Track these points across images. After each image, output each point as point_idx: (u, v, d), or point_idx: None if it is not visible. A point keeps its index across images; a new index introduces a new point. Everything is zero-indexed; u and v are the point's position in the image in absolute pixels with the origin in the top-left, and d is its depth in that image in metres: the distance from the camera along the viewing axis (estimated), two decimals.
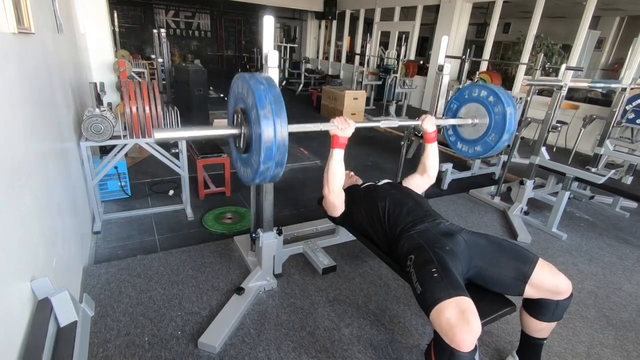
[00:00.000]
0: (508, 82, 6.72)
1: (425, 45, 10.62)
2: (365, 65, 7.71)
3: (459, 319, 1.06)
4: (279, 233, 1.93)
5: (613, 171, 3.01)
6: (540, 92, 5.75)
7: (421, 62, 7.71)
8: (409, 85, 6.84)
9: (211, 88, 7.84)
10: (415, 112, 7.07)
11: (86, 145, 2.15)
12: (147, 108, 2.23)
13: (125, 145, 2.32)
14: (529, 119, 3.90)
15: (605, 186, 2.64)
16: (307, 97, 8.31)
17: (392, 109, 6.66)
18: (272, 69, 1.52)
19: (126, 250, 2.24)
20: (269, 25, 1.47)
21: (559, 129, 4.29)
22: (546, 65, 6.03)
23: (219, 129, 1.32)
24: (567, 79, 2.91)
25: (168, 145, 2.46)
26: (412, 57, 7.99)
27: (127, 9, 11.59)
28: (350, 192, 1.75)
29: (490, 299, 1.36)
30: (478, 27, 9.67)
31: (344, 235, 2.34)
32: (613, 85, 3.49)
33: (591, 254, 2.53)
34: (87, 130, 2.11)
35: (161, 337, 1.58)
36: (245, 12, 13.05)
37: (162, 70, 5.95)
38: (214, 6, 12.58)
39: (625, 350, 1.71)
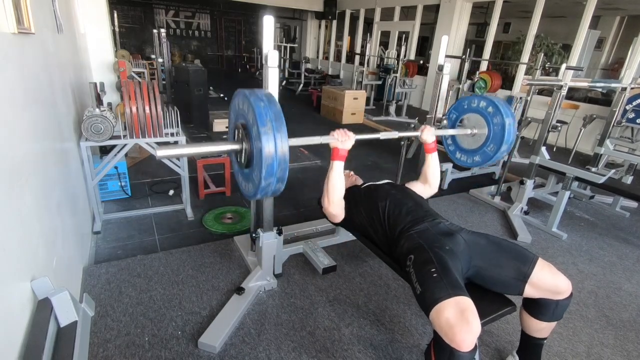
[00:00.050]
0: (508, 81, 6.71)
1: (425, 45, 10.62)
2: (365, 65, 7.71)
3: (459, 319, 1.06)
4: (279, 233, 1.93)
5: (613, 171, 3.01)
6: (540, 92, 5.75)
7: (421, 61, 7.69)
8: (409, 85, 6.84)
9: (211, 88, 7.83)
10: (415, 112, 7.07)
11: (86, 145, 2.15)
12: (147, 108, 2.23)
13: (125, 145, 2.32)
14: (529, 119, 3.90)
15: (606, 186, 2.64)
16: (307, 97, 8.30)
17: (392, 108, 6.66)
18: (272, 69, 1.52)
19: (126, 250, 2.24)
20: (269, 25, 1.47)
21: (559, 128, 4.29)
22: (546, 65, 6.03)
23: (221, 145, 1.33)
24: (567, 78, 2.92)
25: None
26: (412, 56, 7.99)
27: (127, 9, 11.60)
28: (351, 193, 1.74)
29: (490, 299, 1.36)
30: (478, 26, 9.67)
31: (344, 235, 2.34)
32: (613, 85, 3.48)
33: (591, 254, 2.53)
34: (87, 130, 2.11)
35: (161, 337, 1.58)
36: (245, 12, 13.05)
37: (162, 70, 5.95)
38: (214, 6, 12.58)
39: (625, 350, 1.71)
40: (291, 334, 1.65)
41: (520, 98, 4.88)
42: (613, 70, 8.57)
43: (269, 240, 1.86)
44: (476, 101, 1.85)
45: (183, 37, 12.92)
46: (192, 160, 2.92)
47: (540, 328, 1.39)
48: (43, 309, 1.10)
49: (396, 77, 6.73)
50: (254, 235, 1.94)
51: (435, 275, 1.19)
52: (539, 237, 2.70)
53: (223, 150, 1.32)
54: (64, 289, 1.17)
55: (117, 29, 6.56)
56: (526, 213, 2.98)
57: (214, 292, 1.88)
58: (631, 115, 4.09)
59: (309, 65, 9.81)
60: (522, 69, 6.15)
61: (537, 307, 1.35)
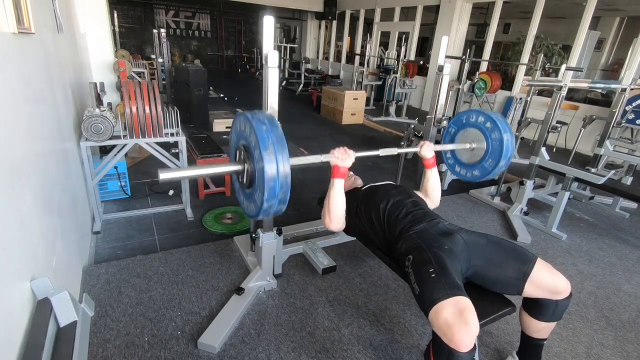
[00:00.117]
0: (508, 82, 6.72)
1: (425, 45, 10.62)
2: (365, 65, 7.71)
3: (457, 319, 1.06)
4: (279, 233, 1.93)
5: (613, 171, 3.01)
6: (540, 93, 5.75)
7: (421, 62, 7.70)
8: (409, 85, 6.84)
9: (211, 88, 7.84)
10: (415, 113, 7.07)
11: (86, 145, 2.15)
12: (147, 108, 2.23)
13: (125, 145, 2.32)
14: (529, 119, 3.90)
15: (605, 187, 2.64)
16: (307, 97, 8.31)
17: (392, 109, 6.66)
18: (272, 69, 1.52)
19: (126, 250, 2.24)
20: (269, 25, 1.47)
21: (559, 129, 4.29)
22: (546, 66, 6.04)
23: (223, 166, 1.35)
24: (567, 79, 2.92)
25: (168, 145, 2.46)
26: (412, 57, 7.99)
27: (127, 9, 11.60)
28: (351, 196, 1.73)
29: (490, 299, 1.36)
30: (478, 27, 9.68)
31: (344, 236, 2.34)
32: (613, 86, 3.49)
33: (591, 255, 2.53)
34: (87, 130, 2.11)
35: (161, 337, 1.58)
36: (245, 12, 13.06)
37: (162, 70, 5.94)
38: (214, 6, 12.59)
39: (625, 350, 1.71)
40: (291, 334, 1.65)
41: (520, 99, 4.89)
42: (613, 71, 8.58)
43: (268, 240, 1.86)
44: (474, 116, 1.87)
45: (183, 37, 12.92)
46: (192, 160, 2.91)
47: (540, 328, 1.39)
48: (43, 309, 1.10)
49: (396, 77, 6.74)
50: (253, 235, 1.94)
51: (433, 275, 1.19)
52: (539, 238, 2.70)
53: (226, 172, 1.34)
54: (64, 289, 1.17)
55: (117, 29, 6.56)
56: (526, 214, 2.98)
57: (214, 292, 1.87)
58: (631, 116, 4.10)
59: (309, 66, 9.81)
60: (522, 69, 6.15)
61: (537, 308, 1.35)
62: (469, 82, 5.86)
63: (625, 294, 2.13)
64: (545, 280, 1.30)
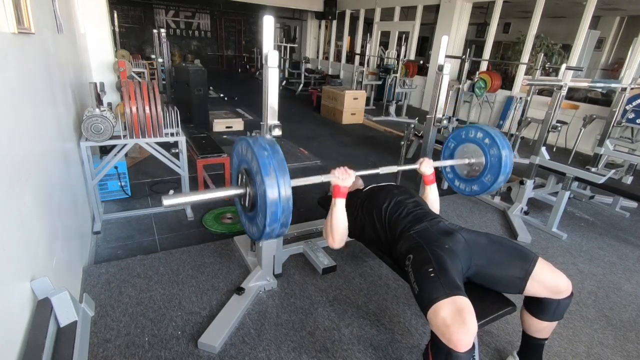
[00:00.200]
0: (508, 82, 6.72)
1: (425, 45, 10.62)
2: (365, 65, 7.71)
3: (455, 319, 1.06)
4: None
5: (613, 171, 3.01)
6: (540, 92, 5.75)
7: (421, 62, 7.70)
8: (409, 85, 6.84)
9: (211, 88, 7.84)
10: (415, 112, 7.07)
11: (86, 145, 2.15)
12: (147, 108, 2.24)
13: (125, 145, 2.32)
14: (529, 119, 3.90)
15: (606, 186, 2.64)
16: (307, 97, 8.31)
17: (392, 109, 6.66)
18: (272, 69, 1.52)
19: (126, 250, 2.24)
20: (269, 25, 1.47)
21: (559, 128, 4.29)
22: (546, 65, 6.03)
23: (225, 191, 1.36)
24: (567, 78, 2.92)
25: (168, 145, 2.46)
26: (412, 57, 7.99)
27: (127, 9, 11.60)
28: (353, 198, 1.71)
29: (491, 299, 1.36)
30: (478, 27, 9.67)
31: None
32: (613, 85, 3.49)
33: (591, 254, 2.53)
34: (87, 130, 2.11)
35: (161, 337, 1.58)
36: (245, 12, 13.05)
37: (162, 70, 5.94)
38: (214, 6, 12.59)
39: (625, 350, 1.71)
40: (291, 334, 1.65)
41: (520, 98, 4.88)
42: (613, 70, 8.58)
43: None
44: (473, 132, 1.89)
45: (183, 37, 12.92)
46: (192, 160, 2.91)
47: (541, 328, 1.39)
48: (43, 309, 1.10)
49: (396, 77, 6.74)
50: None
51: (432, 275, 1.19)
52: (539, 237, 2.70)
53: (228, 196, 1.36)
54: (64, 289, 1.17)
55: (117, 29, 6.56)
56: (526, 213, 2.98)
57: (214, 292, 1.88)
58: (631, 116, 4.10)
59: (309, 66, 9.81)
60: (522, 69, 6.15)
61: (538, 307, 1.35)
62: (469, 81, 5.85)
63: (626, 294, 2.12)
64: (547, 280, 1.30)
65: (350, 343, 1.62)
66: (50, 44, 1.85)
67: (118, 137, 2.26)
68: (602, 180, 2.49)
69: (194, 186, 3.02)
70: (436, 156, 2.57)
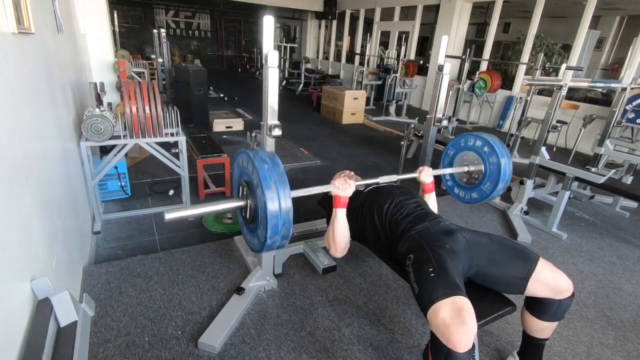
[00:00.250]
0: (508, 82, 6.71)
1: (425, 45, 10.61)
2: (365, 65, 7.70)
3: (455, 319, 1.05)
4: None
5: (613, 171, 3.01)
6: (540, 92, 5.75)
7: (421, 62, 7.70)
8: (409, 85, 6.84)
9: (211, 88, 7.84)
10: (415, 112, 7.07)
11: (86, 145, 2.15)
12: (147, 108, 2.23)
13: (125, 145, 2.32)
14: (529, 119, 3.90)
15: (606, 186, 2.64)
16: (307, 97, 8.31)
17: (392, 108, 6.66)
18: (272, 69, 1.52)
19: (126, 250, 2.24)
20: (269, 25, 1.47)
21: (559, 128, 4.30)
22: (546, 65, 6.03)
23: (227, 203, 1.36)
24: (567, 78, 2.92)
25: (168, 145, 2.46)
26: (412, 57, 7.99)
27: (127, 9, 11.60)
28: (353, 199, 1.69)
29: (491, 299, 1.36)
30: (478, 27, 9.67)
31: None
32: (613, 85, 3.49)
33: (591, 254, 2.53)
34: (87, 130, 2.11)
35: (161, 337, 1.58)
36: (245, 12, 13.05)
37: (162, 70, 5.94)
38: (214, 6, 12.59)
39: (626, 350, 1.71)
40: (291, 334, 1.65)
41: (520, 98, 4.88)
42: (613, 70, 8.58)
43: None
44: (472, 140, 1.90)
45: (183, 37, 12.92)
46: (192, 160, 2.92)
47: (542, 328, 1.39)
48: (43, 309, 1.10)
49: (396, 77, 6.74)
50: None
51: (432, 275, 1.19)
52: (539, 237, 2.70)
53: (230, 208, 1.38)
54: (64, 289, 1.17)
55: (117, 29, 6.56)
56: (526, 213, 2.98)
57: (214, 292, 1.88)
58: (631, 116, 4.10)
59: (309, 65, 9.80)
60: (522, 69, 6.15)
61: (539, 307, 1.35)
62: (469, 81, 5.86)
63: (626, 294, 2.12)
64: (548, 280, 1.30)
65: (350, 343, 1.62)
66: (50, 44, 1.85)
67: (118, 137, 2.26)
68: (602, 180, 2.49)
69: (194, 186, 3.03)
70: (436, 156, 2.57)
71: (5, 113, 1.08)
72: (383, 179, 1.68)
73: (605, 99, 5.52)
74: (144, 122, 2.25)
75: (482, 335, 1.70)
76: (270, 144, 1.69)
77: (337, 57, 10.86)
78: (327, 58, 11.17)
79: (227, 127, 5.13)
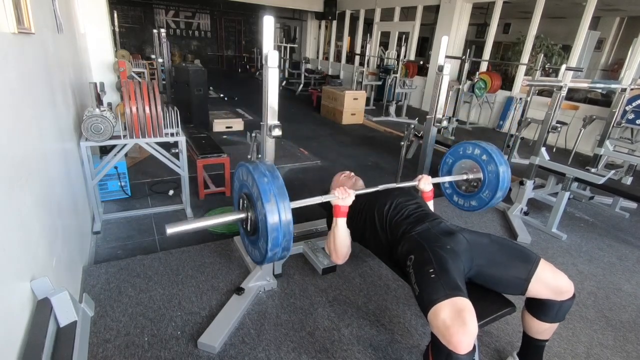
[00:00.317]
0: (508, 82, 6.72)
1: (425, 45, 10.62)
2: (365, 65, 7.71)
3: (455, 320, 1.05)
4: None
5: (613, 172, 3.01)
6: (540, 93, 5.75)
7: (421, 62, 7.71)
8: (409, 85, 6.84)
9: (211, 88, 7.84)
10: (415, 113, 7.07)
11: (86, 145, 2.15)
12: (147, 108, 2.23)
13: (125, 145, 2.32)
14: (529, 119, 3.90)
15: (605, 187, 2.64)
16: (307, 97, 8.31)
17: (392, 109, 6.67)
18: (272, 69, 1.52)
19: (126, 250, 2.24)
20: (269, 25, 1.47)
21: (559, 129, 4.30)
22: (546, 66, 6.04)
23: (228, 216, 1.37)
24: (567, 79, 2.92)
25: (168, 145, 2.46)
26: (412, 57, 7.99)
27: (127, 9, 11.60)
28: (353, 205, 1.69)
29: (491, 299, 1.36)
30: (478, 27, 9.68)
31: None
32: (613, 86, 3.49)
33: (591, 255, 2.53)
34: (87, 130, 2.11)
35: (161, 337, 1.58)
36: (245, 12, 13.05)
37: (162, 70, 5.95)
38: (214, 6, 12.59)
39: (625, 351, 1.71)
40: (291, 334, 1.65)
41: (520, 99, 4.89)
42: (613, 71, 8.58)
43: None
44: (471, 148, 1.91)
45: (183, 37, 12.92)
46: (192, 160, 2.92)
47: (542, 329, 1.39)
48: (43, 309, 1.10)
49: (396, 77, 6.74)
50: None
51: (433, 276, 1.18)
52: (539, 238, 2.70)
53: (231, 221, 1.38)
54: (64, 289, 1.17)
55: (117, 29, 6.56)
56: (526, 214, 2.98)
57: (214, 292, 1.87)
58: (631, 116, 4.10)
59: (309, 66, 9.81)
60: (522, 69, 6.15)
61: (540, 308, 1.35)
62: (469, 82, 5.86)
63: (625, 294, 2.13)
64: (549, 281, 1.30)
65: (350, 343, 1.62)
66: (50, 44, 1.85)
67: (118, 137, 2.26)
68: (601, 180, 2.49)
69: (194, 186, 3.03)
70: (436, 157, 2.58)
71: (5, 113, 1.08)
72: (383, 187, 1.68)
73: (605, 100, 5.52)
74: (144, 122, 2.25)
75: (481, 335, 1.70)
76: (270, 144, 1.69)
77: (337, 58, 10.87)
78: (327, 58, 11.17)
79: (227, 127, 5.13)
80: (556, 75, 6.16)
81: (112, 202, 2.79)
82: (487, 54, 6.67)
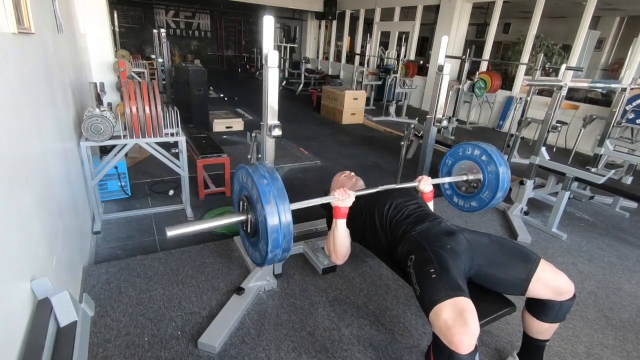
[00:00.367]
0: (508, 82, 6.72)
1: (425, 45, 10.62)
2: (365, 65, 7.71)
3: (457, 320, 1.05)
4: None
5: (613, 171, 3.01)
6: (540, 92, 5.75)
7: (421, 62, 7.70)
8: (409, 85, 6.84)
9: (211, 88, 7.84)
10: (415, 112, 7.07)
11: (86, 145, 2.15)
12: (147, 108, 2.23)
13: (125, 145, 2.32)
14: (529, 119, 3.90)
15: (605, 186, 2.64)
16: (307, 97, 8.31)
17: (392, 109, 6.66)
18: (272, 69, 1.52)
19: (126, 250, 2.24)
20: (269, 25, 1.47)
21: (559, 129, 4.29)
22: (546, 66, 6.03)
23: (228, 218, 1.38)
24: (567, 79, 2.92)
25: (168, 145, 2.46)
26: (412, 57, 7.99)
27: (127, 9, 11.60)
28: (353, 206, 1.67)
29: (491, 299, 1.36)
30: (478, 27, 9.67)
31: None
32: (613, 86, 3.49)
33: (591, 254, 2.53)
34: (87, 130, 2.11)
35: (161, 337, 1.58)
36: (245, 12, 13.05)
37: (162, 70, 5.95)
38: (214, 6, 12.59)
39: (625, 350, 1.71)
40: (291, 334, 1.65)
41: (520, 98, 4.88)
42: (613, 70, 8.58)
43: None
44: (470, 149, 1.91)
45: (183, 37, 12.92)
46: (192, 160, 2.92)
47: (542, 330, 1.39)
48: (43, 309, 1.10)
49: (396, 77, 6.74)
50: None
51: (434, 276, 1.18)
52: (539, 238, 2.70)
53: (231, 223, 1.40)
54: (64, 289, 1.17)
55: (117, 29, 6.56)
56: (526, 213, 2.98)
57: (214, 292, 1.87)
58: (631, 116, 4.10)
59: (309, 66, 9.81)
60: (522, 69, 6.15)
61: (541, 309, 1.35)
62: (469, 81, 5.86)
63: (626, 294, 2.13)
64: (549, 281, 1.29)
65: (350, 343, 1.62)
66: (50, 44, 1.85)
67: (118, 137, 2.26)
68: (602, 180, 2.49)
69: (194, 186, 3.03)
70: (436, 157, 2.58)
71: (5, 113, 1.08)
72: (382, 188, 1.68)
73: (605, 100, 5.52)
74: (144, 122, 2.25)
75: (482, 335, 1.70)
76: (270, 144, 1.69)
77: (337, 58, 10.87)
78: (327, 58, 11.17)
79: (227, 127, 5.13)
80: (556, 75, 6.16)
81: (112, 202, 2.79)
82: (487, 53, 6.67)
